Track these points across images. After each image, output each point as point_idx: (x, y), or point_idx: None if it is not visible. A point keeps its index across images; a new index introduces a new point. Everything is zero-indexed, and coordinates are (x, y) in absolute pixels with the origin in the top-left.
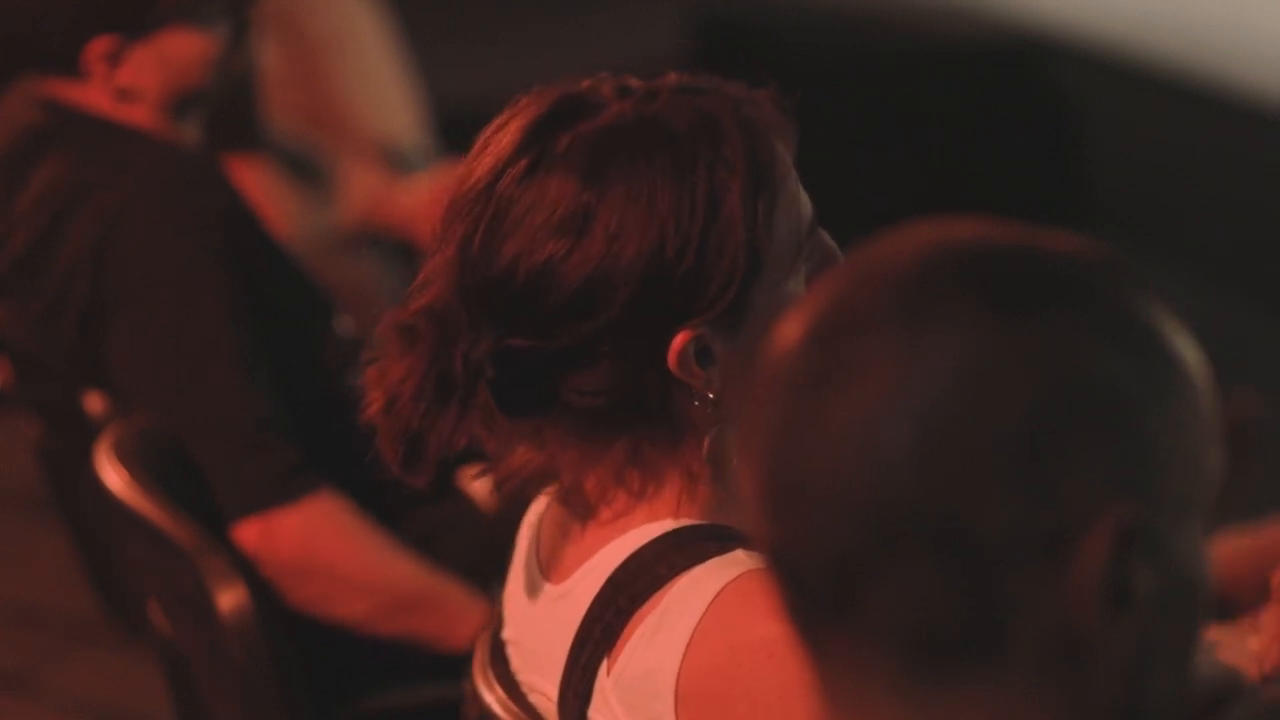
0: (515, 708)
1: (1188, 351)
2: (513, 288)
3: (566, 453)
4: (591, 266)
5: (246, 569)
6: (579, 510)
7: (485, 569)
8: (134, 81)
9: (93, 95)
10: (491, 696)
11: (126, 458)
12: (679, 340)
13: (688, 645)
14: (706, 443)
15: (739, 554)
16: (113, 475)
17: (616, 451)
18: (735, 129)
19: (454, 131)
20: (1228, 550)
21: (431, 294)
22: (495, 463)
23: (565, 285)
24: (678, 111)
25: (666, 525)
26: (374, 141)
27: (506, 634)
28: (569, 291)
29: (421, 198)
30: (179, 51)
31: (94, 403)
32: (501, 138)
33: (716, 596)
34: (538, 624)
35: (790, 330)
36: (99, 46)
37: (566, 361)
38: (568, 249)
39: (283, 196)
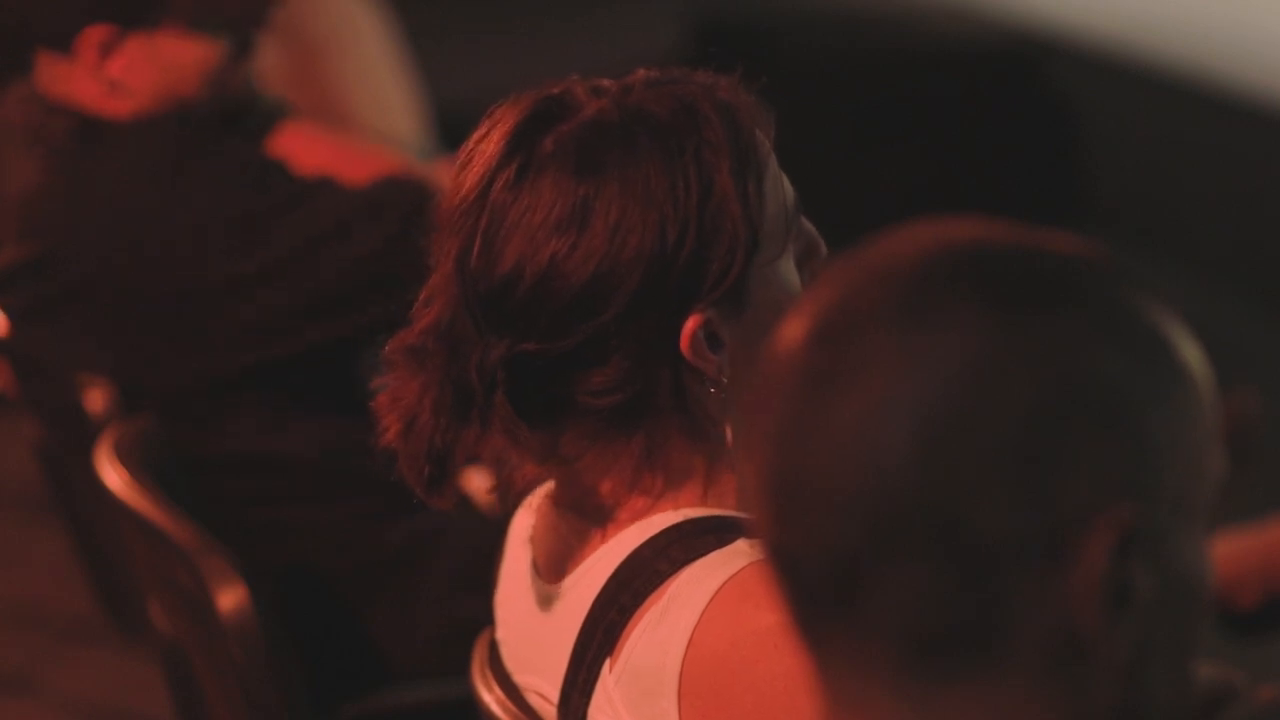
0: (514, 708)
1: (1188, 351)
2: (519, 292)
3: (583, 457)
4: (596, 260)
5: (246, 569)
6: (586, 511)
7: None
8: (125, 76)
9: (82, 88)
10: (490, 697)
11: (126, 458)
12: (690, 324)
13: (689, 640)
14: (730, 429)
15: (739, 545)
16: (113, 475)
17: (633, 449)
18: (714, 112)
19: (454, 131)
20: (1228, 550)
21: (434, 312)
22: (505, 473)
23: (572, 282)
24: (656, 102)
25: (667, 519)
26: (374, 141)
27: (499, 635)
28: (577, 288)
29: None
30: (175, 55)
31: (94, 403)
32: (485, 147)
33: (717, 592)
34: (534, 625)
35: (791, 330)
36: (95, 34)
37: (579, 362)
38: (570, 245)
39: None
